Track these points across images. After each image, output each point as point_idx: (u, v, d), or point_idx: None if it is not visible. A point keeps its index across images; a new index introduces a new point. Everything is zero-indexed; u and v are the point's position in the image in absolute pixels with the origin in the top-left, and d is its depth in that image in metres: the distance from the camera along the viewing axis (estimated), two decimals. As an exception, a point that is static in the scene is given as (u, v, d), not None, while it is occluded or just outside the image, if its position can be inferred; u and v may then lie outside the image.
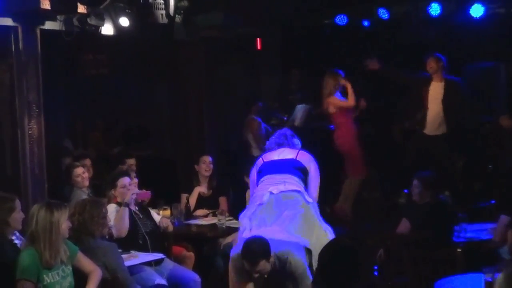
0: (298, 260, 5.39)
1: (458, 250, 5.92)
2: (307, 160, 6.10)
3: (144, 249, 6.33)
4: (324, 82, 9.09)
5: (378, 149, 9.51)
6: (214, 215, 7.59)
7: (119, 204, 6.50)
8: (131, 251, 6.16)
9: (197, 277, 6.29)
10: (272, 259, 5.29)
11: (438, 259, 5.78)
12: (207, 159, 8.03)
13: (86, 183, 7.47)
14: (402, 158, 9.63)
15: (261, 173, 6.06)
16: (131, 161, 8.10)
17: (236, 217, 7.47)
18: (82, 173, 7.45)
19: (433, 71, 8.58)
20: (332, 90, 9.01)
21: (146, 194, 6.85)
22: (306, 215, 5.70)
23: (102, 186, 7.04)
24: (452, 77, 8.64)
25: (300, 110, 9.92)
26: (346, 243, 4.11)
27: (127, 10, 8.10)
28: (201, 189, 7.95)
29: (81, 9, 7.19)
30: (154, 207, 7.35)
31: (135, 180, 6.87)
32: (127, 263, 5.74)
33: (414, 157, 8.85)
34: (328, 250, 4.06)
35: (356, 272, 3.93)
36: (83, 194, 7.24)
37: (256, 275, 5.30)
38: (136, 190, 6.59)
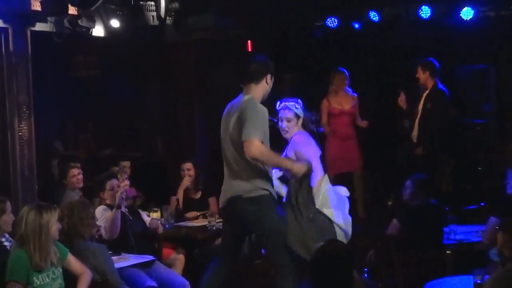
0: None
1: (448, 252, 5.95)
2: None
3: (133, 250, 6.32)
4: (332, 78, 9.15)
5: (369, 151, 9.52)
6: (205, 217, 7.60)
7: (109, 206, 6.50)
8: (122, 253, 6.15)
9: (186, 283, 6.28)
10: None
11: (428, 261, 5.80)
12: (187, 166, 7.93)
13: (81, 184, 7.49)
14: (392, 160, 9.67)
15: None
16: (126, 163, 8.09)
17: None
18: (77, 174, 7.49)
19: (422, 81, 8.60)
20: (341, 86, 9.11)
21: (131, 191, 6.83)
22: None
23: (92, 188, 7.05)
24: (441, 87, 8.61)
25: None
26: (340, 245, 4.11)
27: (118, 12, 8.09)
28: (184, 186, 7.89)
29: (72, 10, 7.18)
30: (144, 209, 7.35)
31: (126, 182, 6.86)
32: (118, 265, 5.74)
33: (402, 163, 8.91)
34: (322, 252, 4.06)
35: (349, 274, 3.94)
36: (75, 196, 7.24)
37: None
38: (122, 189, 6.56)
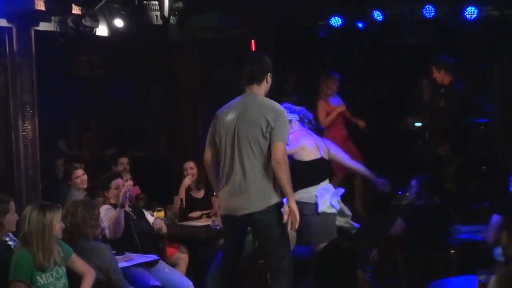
0: None
1: (452, 251, 5.93)
2: None
3: (137, 250, 6.32)
4: (320, 84, 9.19)
5: (373, 150, 9.51)
6: (208, 216, 7.59)
7: (113, 205, 6.50)
8: (126, 252, 6.15)
9: (190, 283, 6.27)
10: None
11: (432, 261, 5.79)
12: (189, 165, 7.96)
13: (85, 185, 7.52)
14: (397, 159, 9.65)
15: None
16: (124, 160, 8.16)
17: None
18: (82, 175, 7.56)
19: (439, 81, 8.52)
20: (328, 93, 9.13)
21: (135, 190, 6.84)
22: None
23: (96, 188, 7.06)
24: (458, 85, 8.54)
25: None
26: (344, 245, 4.11)
27: (121, 12, 8.10)
28: (186, 186, 7.90)
29: (76, 10, 7.18)
30: (148, 209, 7.35)
31: (130, 182, 6.85)
32: (121, 264, 5.74)
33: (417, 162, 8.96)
34: (326, 252, 4.06)
35: (353, 274, 3.94)
36: (80, 195, 7.27)
37: None
38: (125, 187, 6.54)
